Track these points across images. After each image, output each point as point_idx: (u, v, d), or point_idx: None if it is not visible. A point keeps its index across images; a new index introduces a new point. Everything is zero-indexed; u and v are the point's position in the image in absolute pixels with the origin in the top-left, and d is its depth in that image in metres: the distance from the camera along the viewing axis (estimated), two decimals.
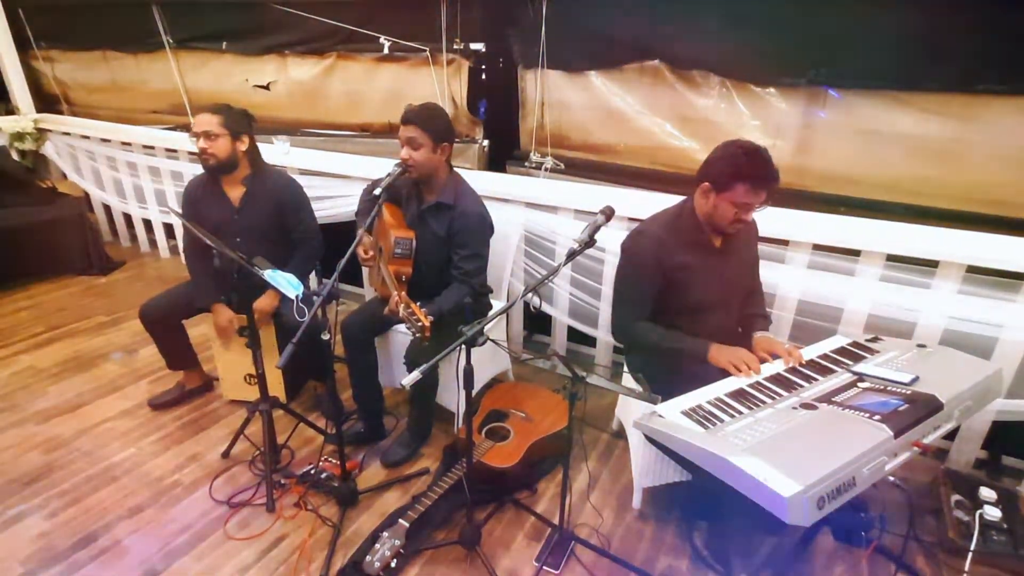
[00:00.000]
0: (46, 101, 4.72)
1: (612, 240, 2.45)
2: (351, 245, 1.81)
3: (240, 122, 2.20)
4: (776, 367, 1.69)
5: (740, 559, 1.82)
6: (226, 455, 2.24)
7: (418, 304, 1.68)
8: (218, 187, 2.28)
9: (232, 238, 2.26)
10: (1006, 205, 2.07)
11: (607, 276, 2.55)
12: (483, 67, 2.93)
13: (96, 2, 4.06)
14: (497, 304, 2.45)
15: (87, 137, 4.15)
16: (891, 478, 1.30)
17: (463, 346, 1.47)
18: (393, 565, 1.68)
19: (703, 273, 1.80)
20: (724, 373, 1.66)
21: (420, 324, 1.62)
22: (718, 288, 1.84)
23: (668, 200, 2.37)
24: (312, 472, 2.12)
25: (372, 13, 3.05)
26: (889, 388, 1.49)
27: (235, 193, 2.29)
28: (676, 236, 1.79)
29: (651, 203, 2.37)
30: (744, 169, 1.62)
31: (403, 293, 1.73)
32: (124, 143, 3.95)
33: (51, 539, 1.89)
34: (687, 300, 1.82)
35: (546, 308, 2.71)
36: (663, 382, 1.82)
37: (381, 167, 2.77)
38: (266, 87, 3.62)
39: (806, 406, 1.43)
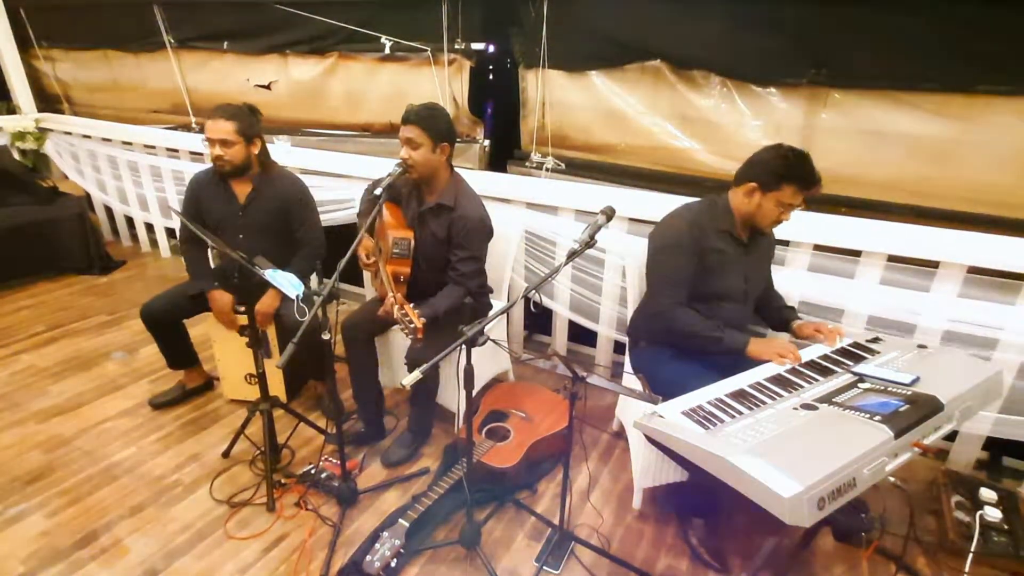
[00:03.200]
0: (47, 100, 4.73)
1: (612, 240, 2.46)
2: (352, 245, 1.81)
3: (252, 125, 2.19)
4: (817, 351, 1.77)
5: (740, 559, 1.82)
6: (226, 455, 2.24)
7: (412, 305, 1.68)
8: (225, 183, 2.28)
9: (235, 235, 2.27)
10: (1007, 206, 2.06)
11: (607, 273, 2.55)
12: (490, 67, 2.93)
13: (97, 2, 4.07)
14: (498, 304, 2.45)
15: (88, 136, 4.15)
16: (891, 479, 1.29)
17: (464, 346, 1.47)
18: (393, 565, 1.69)
19: (730, 263, 1.85)
20: (726, 373, 1.66)
21: (413, 325, 1.62)
22: (740, 280, 1.90)
23: (668, 200, 2.38)
24: (312, 472, 2.12)
25: (373, 13, 3.05)
26: (890, 389, 1.48)
27: (242, 190, 2.29)
28: (709, 223, 1.84)
29: (651, 203, 2.38)
30: (794, 170, 1.70)
31: (399, 295, 1.73)
32: (125, 142, 3.95)
33: (52, 538, 1.89)
34: (711, 287, 1.85)
35: (547, 303, 2.72)
36: (666, 382, 1.83)
37: (382, 167, 2.77)
38: (267, 87, 3.62)
39: (807, 407, 1.43)
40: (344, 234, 2.43)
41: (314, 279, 2.54)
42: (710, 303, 1.86)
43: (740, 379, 1.62)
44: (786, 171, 1.70)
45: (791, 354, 1.72)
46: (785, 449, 1.24)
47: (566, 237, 2.58)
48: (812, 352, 1.77)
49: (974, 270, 1.96)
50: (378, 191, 1.90)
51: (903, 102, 2.13)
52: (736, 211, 1.83)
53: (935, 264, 2.00)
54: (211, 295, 2.30)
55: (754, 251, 1.92)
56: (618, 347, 2.77)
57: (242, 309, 2.09)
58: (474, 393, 1.64)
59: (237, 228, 2.29)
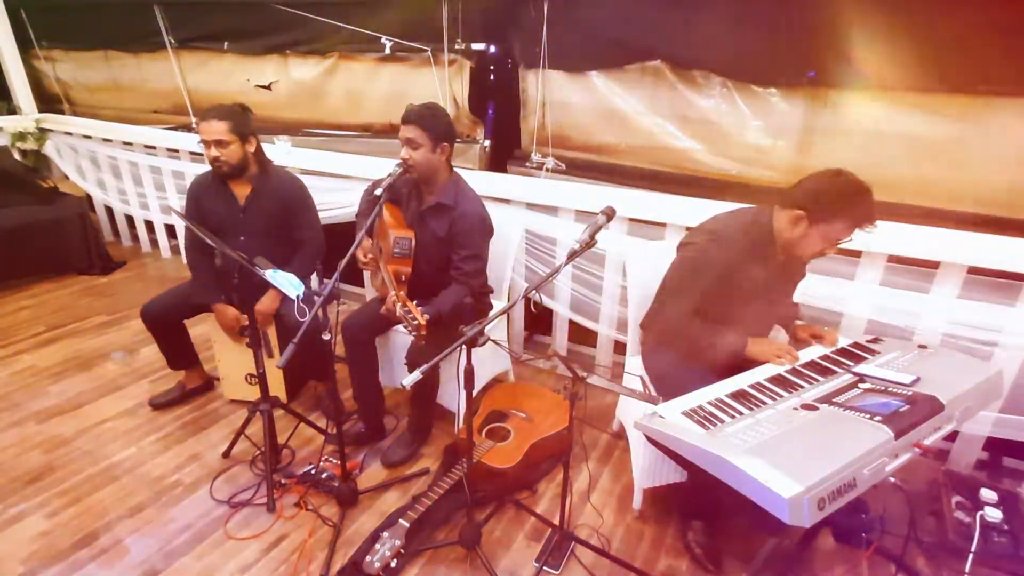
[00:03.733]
0: (48, 101, 4.73)
1: (612, 240, 2.46)
2: (352, 245, 1.81)
3: (246, 123, 2.18)
4: (815, 352, 1.75)
5: (740, 560, 1.81)
6: (227, 455, 2.24)
7: (415, 303, 1.68)
8: (224, 185, 2.27)
9: (236, 236, 2.27)
10: (1008, 206, 2.06)
11: (607, 272, 2.55)
12: (490, 67, 2.94)
13: (98, 2, 4.07)
14: (498, 304, 2.45)
15: (89, 137, 4.15)
16: (892, 479, 1.29)
17: (464, 346, 1.47)
18: (393, 565, 1.69)
19: (759, 288, 1.76)
20: (728, 373, 1.66)
21: (416, 323, 1.62)
22: (766, 304, 1.84)
23: (669, 200, 2.38)
24: (312, 472, 2.12)
25: (374, 13, 3.05)
26: (890, 389, 1.48)
27: (241, 191, 2.28)
28: (750, 246, 1.73)
29: (651, 203, 2.38)
30: (850, 207, 1.55)
31: (401, 293, 1.73)
32: (126, 143, 3.96)
33: (52, 538, 1.89)
34: (731, 313, 1.77)
35: (547, 303, 2.72)
36: (669, 379, 1.83)
37: (382, 167, 2.77)
38: (268, 87, 3.63)
39: (807, 407, 1.43)
40: (344, 233, 2.42)
41: (314, 279, 2.54)
42: (725, 323, 1.78)
43: (740, 379, 1.62)
44: (841, 206, 1.54)
45: (788, 355, 1.71)
46: (785, 449, 1.24)
47: (566, 237, 2.58)
48: (812, 352, 1.77)
49: (974, 271, 1.96)
50: (378, 191, 1.90)
51: (903, 102, 2.13)
52: (778, 235, 1.69)
53: (935, 265, 2.00)
54: (216, 309, 2.30)
55: (786, 277, 1.84)
56: (618, 347, 2.77)
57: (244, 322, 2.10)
58: (474, 393, 1.64)
59: (238, 230, 2.28)
